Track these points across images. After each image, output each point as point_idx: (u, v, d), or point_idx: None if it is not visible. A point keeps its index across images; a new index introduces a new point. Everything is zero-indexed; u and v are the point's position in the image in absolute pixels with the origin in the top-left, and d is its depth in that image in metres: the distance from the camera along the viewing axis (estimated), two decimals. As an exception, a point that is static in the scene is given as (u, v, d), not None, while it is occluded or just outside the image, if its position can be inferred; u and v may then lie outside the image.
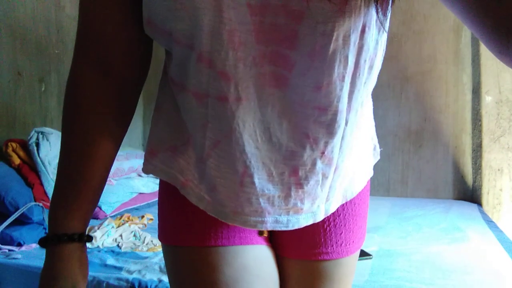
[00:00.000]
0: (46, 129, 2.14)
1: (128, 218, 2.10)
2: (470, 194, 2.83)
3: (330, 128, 0.52)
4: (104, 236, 1.80)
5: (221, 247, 0.61)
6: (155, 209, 2.48)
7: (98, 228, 1.83)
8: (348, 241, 0.68)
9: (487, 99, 2.73)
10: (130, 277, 1.42)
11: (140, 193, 2.64)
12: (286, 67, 0.47)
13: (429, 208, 2.48)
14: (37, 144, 2.03)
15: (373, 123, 0.73)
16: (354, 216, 0.69)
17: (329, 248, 0.67)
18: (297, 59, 0.47)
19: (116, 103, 0.58)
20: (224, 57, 0.46)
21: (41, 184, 1.94)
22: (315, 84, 0.48)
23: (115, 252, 1.69)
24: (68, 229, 0.57)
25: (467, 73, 2.84)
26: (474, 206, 2.59)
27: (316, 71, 0.47)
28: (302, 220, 0.59)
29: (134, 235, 1.88)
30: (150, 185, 2.77)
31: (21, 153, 2.04)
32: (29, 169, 1.99)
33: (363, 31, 0.47)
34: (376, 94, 3.00)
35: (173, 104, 0.57)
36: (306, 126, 0.51)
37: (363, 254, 1.61)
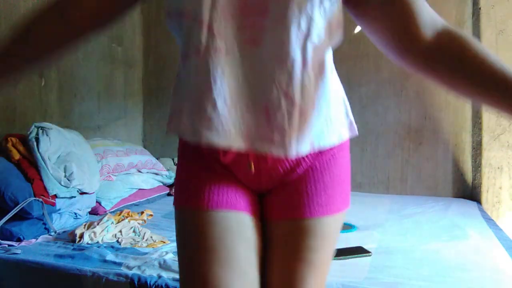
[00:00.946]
0: (46, 124, 2.13)
1: (128, 214, 2.10)
2: (469, 192, 2.83)
3: (290, 74, 0.69)
4: (103, 231, 1.80)
5: (210, 211, 0.76)
6: (155, 205, 2.48)
7: (98, 224, 1.83)
8: (329, 203, 0.79)
9: (488, 97, 2.72)
10: (130, 272, 1.42)
11: (140, 189, 2.64)
12: (260, 31, 0.68)
13: (429, 205, 2.49)
14: (37, 139, 2.03)
15: (343, 96, 0.84)
16: (334, 183, 0.80)
17: (312, 208, 0.78)
18: (268, 25, 0.68)
19: (61, 35, 0.77)
20: (219, 24, 0.68)
21: (41, 179, 1.94)
22: (279, 42, 0.68)
23: (114, 247, 1.69)
24: None
25: (468, 71, 2.83)
26: (474, 204, 2.59)
27: (280, 32, 0.68)
28: (274, 150, 0.72)
29: (134, 231, 1.88)
30: (150, 181, 2.77)
31: (21, 148, 2.03)
32: (29, 164, 1.99)
33: (311, 2, 0.66)
34: (377, 92, 2.99)
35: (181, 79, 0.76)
36: (272, 72, 0.69)
37: (362, 251, 1.61)
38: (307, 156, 0.78)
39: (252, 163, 0.76)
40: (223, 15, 0.68)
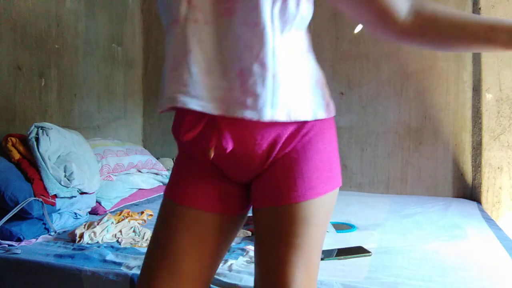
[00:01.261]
0: (46, 124, 2.13)
1: (128, 214, 2.10)
2: (469, 192, 2.84)
3: (262, 39, 0.72)
4: (103, 231, 1.80)
5: (174, 203, 0.86)
6: (155, 205, 2.48)
7: (98, 224, 1.83)
8: (306, 188, 0.79)
9: (488, 97, 2.73)
10: (130, 272, 1.42)
11: (140, 189, 2.64)
12: (234, 2, 0.72)
13: (429, 205, 2.49)
14: (37, 139, 2.03)
15: (321, 79, 0.85)
16: (310, 167, 0.80)
17: (289, 194, 0.78)
18: None
19: None
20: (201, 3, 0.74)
21: (41, 179, 1.94)
22: (250, 9, 0.72)
23: (114, 247, 1.69)
24: None
25: (468, 71, 2.83)
26: (474, 204, 2.59)
27: (251, 4, 0.72)
28: (247, 113, 0.74)
29: (134, 231, 1.88)
30: (150, 181, 2.77)
31: (21, 148, 2.03)
32: (29, 164, 1.99)
33: None
34: (377, 92, 3.00)
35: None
36: (245, 38, 0.73)
37: (362, 251, 1.61)
38: (281, 141, 0.79)
39: (212, 150, 0.78)
40: None
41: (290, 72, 0.76)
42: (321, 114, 0.82)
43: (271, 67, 0.74)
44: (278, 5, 0.73)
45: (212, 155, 0.79)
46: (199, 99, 0.74)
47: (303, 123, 0.80)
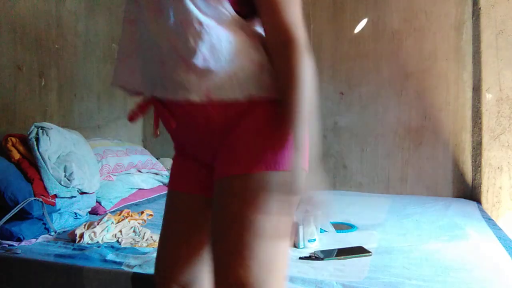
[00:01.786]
0: (46, 124, 2.13)
1: (128, 214, 2.10)
2: (469, 192, 2.84)
3: (176, 30, 0.80)
4: (103, 231, 1.80)
5: (170, 190, 1.00)
6: (155, 205, 2.48)
7: (98, 224, 1.83)
8: (233, 163, 0.82)
9: (488, 97, 2.73)
10: (130, 272, 1.42)
11: (140, 189, 2.64)
12: (160, 5, 0.81)
13: (429, 205, 2.49)
14: (37, 139, 2.03)
15: (257, 59, 0.84)
16: (239, 143, 0.83)
17: (220, 168, 0.84)
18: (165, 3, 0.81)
19: None
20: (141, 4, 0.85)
21: (41, 179, 1.94)
22: (167, 12, 0.81)
23: (114, 247, 1.69)
24: None
25: (468, 71, 2.83)
26: (474, 204, 2.59)
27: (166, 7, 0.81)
28: (169, 95, 0.84)
29: (134, 231, 1.88)
30: (150, 181, 2.77)
31: (21, 148, 2.03)
32: (29, 164, 1.99)
33: None
34: (377, 92, 3.00)
35: None
36: (164, 31, 0.82)
37: (362, 251, 1.61)
38: (216, 115, 0.83)
39: (156, 129, 0.93)
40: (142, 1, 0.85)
41: (208, 56, 0.79)
42: (255, 94, 0.82)
43: (185, 54, 0.80)
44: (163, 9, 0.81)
45: (156, 134, 0.94)
46: (134, 83, 0.90)
47: (238, 104, 0.82)
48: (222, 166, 0.84)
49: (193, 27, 0.79)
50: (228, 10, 0.82)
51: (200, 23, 0.79)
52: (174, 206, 0.99)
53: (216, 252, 0.81)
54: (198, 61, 0.79)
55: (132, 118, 0.94)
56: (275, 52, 0.82)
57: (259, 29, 0.87)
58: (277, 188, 0.80)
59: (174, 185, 0.99)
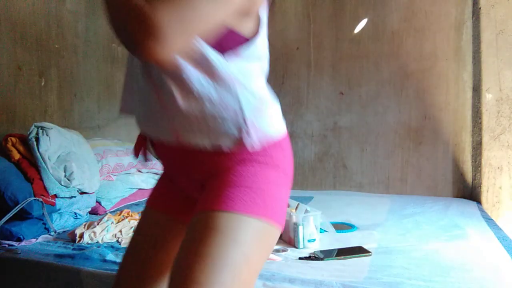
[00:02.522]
0: (46, 124, 2.13)
1: (128, 213, 2.10)
2: (469, 192, 2.84)
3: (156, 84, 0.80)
4: (103, 231, 1.80)
5: (150, 208, 1.00)
6: (155, 205, 2.48)
7: (98, 224, 1.83)
8: (235, 201, 0.77)
9: (488, 97, 2.73)
10: (130, 272, 1.42)
11: (140, 189, 2.64)
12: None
13: (429, 205, 2.49)
14: (37, 139, 2.03)
15: (240, 109, 0.78)
16: (227, 183, 0.80)
17: (200, 205, 0.81)
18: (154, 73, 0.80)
19: None
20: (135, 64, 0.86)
21: (41, 179, 1.94)
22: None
23: (114, 247, 1.69)
24: None
25: (468, 71, 2.83)
26: (474, 204, 2.59)
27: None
28: (153, 135, 0.90)
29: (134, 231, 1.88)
30: (150, 180, 2.77)
31: (21, 148, 2.03)
32: (29, 164, 1.99)
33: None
34: (377, 92, 3.00)
35: None
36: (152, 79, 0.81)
37: (362, 251, 1.61)
38: (204, 163, 0.83)
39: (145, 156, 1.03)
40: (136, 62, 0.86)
41: (179, 106, 0.77)
42: (228, 145, 0.79)
43: (164, 98, 0.79)
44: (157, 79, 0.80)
45: (146, 160, 1.02)
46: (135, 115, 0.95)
47: (215, 153, 0.81)
48: (201, 203, 0.81)
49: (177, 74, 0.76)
50: (211, 53, 0.75)
51: (182, 70, 0.74)
52: (148, 224, 0.98)
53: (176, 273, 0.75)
54: (177, 102, 0.77)
55: (136, 154, 1.03)
56: None
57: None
58: (266, 237, 0.79)
59: (154, 204, 0.99)
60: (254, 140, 0.80)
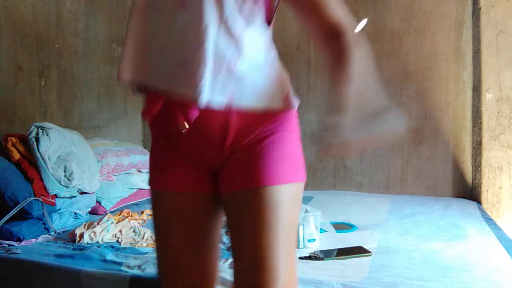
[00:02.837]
0: (46, 124, 2.13)
1: (128, 213, 2.11)
2: (469, 192, 2.83)
3: (204, 34, 0.79)
4: (103, 231, 1.80)
5: (161, 191, 0.91)
6: (155, 205, 2.48)
7: (98, 224, 1.84)
8: (280, 172, 0.84)
9: (488, 97, 2.73)
10: (130, 272, 1.42)
11: (140, 189, 2.64)
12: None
13: (429, 205, 2.49)
14: (37, 139, 2.03)
15: (279, 75, 0.89)
16: (280, 153, 0.86)
17: (264, 175, 0.82)
18: None
19: None
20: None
21: (41, 179, 1.94)
22: (197, 6, 0.79)
23: (114, 247, 1.69)
24: None
25: (468, 71, 2.83)
26: (474, 204, 2.59)
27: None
28: (188, 93, 0.80)
29: (134, 231, 1.88)
30: (150, 180, 2.76)
31: (21, 148, 2.04)
32: (29, 164, 1.99)
33: None
34: (377, 91, 2.90)
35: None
36: (191, 30, 0.80)
37: (362, 251, 1.61)
38: (234, 122, 0.84)
39: (186, 123, 0.83)
40: None
41: (234, 64, 0.80)
42: (277, 106, 0.87)
43: (212, 59, 0.79)
44: (223, 8, 0.79)
45: (185, 128, 0.83)
46: (152, 78, 0.84)
47: (264, 115, 0.85)
48: (244, 177, 0.84)
49: (224, 31, 0.79)
50: (260, 19, 0.84)
51: (233, 31, 0.80)
52: (168, 207, 0.91)
53: (265, 264, 0.80)
54: (229, 64, 0.80)
55: (148, 115, 0.89)
56: (328, 48, 0.87)
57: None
58: (300, 197, 0.90)
59: (163, 185, 0.91)
60: (293, 103, 0.90)
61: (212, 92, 0.80)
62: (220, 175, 0.89)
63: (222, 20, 0.79)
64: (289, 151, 0.87)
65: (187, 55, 0.80)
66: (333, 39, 0.85)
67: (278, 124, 0.87)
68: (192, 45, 0.79)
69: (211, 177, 0.91)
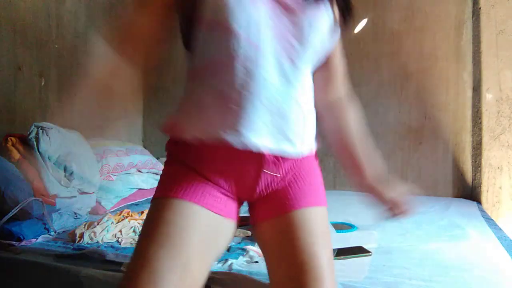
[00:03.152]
0: (46, 124, 2.13)
1: (128, 213, 2.10)
2: (469, 192, 2.84)
3: (296, 89, 0.90)
4: (103, 231, 1.80)
5: (178, 199, 0.84)
6: (155, 205, 2.48)
7: (98, 224, 1.83)
8: (307, 200, 0.94)
9: (488, 97, 2.73)
10: (130, 272, 1.42)
11: (140, 189, 2.64)
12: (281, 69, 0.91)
13: (429, 205, 2.48)
14: (37, 139, 2.03)
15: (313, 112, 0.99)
16: (313, 181, 0.99)
17: (294, 203, 0.92)
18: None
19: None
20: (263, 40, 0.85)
21: (41, 179, 1.94)
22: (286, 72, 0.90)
23: (114, 247, 1.69)
24: None
25: (468, 71, 2.83)
26: (474, 203, 2.59)
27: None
28: (290, 149, 0.91)
29: (134, 231, 1.88)
30: (150, 180, 2.77)
31: (21, 147, 2.03)
32: (29, 164, 1.99)
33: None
34: (376, 91, 2.99)
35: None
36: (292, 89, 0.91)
37: (362, 251, 1.61)
38: (291, 167, 0.94)
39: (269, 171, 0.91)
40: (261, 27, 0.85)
41: (308, 111, 0.95)
42: (314, 147, 1.00)
43: (305, 109, 0.93)
44: (301, 59, 0.89)
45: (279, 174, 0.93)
46: (257, 138, 0.86)
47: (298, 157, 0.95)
48: (311, 196, 0.95)
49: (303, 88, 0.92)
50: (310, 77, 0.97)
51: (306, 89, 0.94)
52: (188, 218, 0.82)
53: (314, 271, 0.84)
54: (312, 117, 0.95)
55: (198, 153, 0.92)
56: (328, 112, 1.08)
57: None
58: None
59: (188, 196, 0.85)
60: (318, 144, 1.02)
61: (303, 144, 0.93)
62: (260, 205, 0.95)
63: (300, 70, 0.90)
64: (319, 181, 1.02)
65: (284, 110, 0.88)
66: (336, 106, 1.10)
67: (311, 162, 1.01)
68: (289, 96, 0.88)
69: (238, 207, 0.96)
